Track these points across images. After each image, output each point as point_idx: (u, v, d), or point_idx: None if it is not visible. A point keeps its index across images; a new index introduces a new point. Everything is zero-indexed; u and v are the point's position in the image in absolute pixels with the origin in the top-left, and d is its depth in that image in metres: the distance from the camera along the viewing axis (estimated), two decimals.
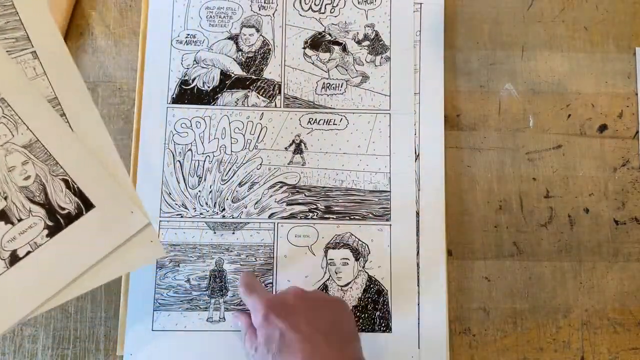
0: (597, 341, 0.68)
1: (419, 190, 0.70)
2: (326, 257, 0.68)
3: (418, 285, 0.68)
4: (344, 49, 0.72)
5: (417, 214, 0.69)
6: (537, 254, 0.70)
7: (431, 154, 0.70)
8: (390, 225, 0.69)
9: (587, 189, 0.71)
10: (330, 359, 0.56)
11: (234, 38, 0.72)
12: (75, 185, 0.55)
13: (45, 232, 0.55)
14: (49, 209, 0.55)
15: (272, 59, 0.72)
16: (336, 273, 0.68)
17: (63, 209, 0.55)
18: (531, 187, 0.71)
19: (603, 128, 0.73)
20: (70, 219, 0.55)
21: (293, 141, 0.70)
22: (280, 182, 0.69)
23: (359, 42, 0.72)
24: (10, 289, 0.54)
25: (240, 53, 0.72)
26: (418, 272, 0.68)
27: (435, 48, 0.73)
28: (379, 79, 0.72)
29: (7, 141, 0.55)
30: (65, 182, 0.55)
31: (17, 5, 0.59)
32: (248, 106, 0.70)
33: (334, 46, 0.72)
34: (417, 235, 0.69)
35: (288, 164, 0.70)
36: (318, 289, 0.68)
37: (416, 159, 0.70)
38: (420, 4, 0.74)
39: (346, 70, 0.72)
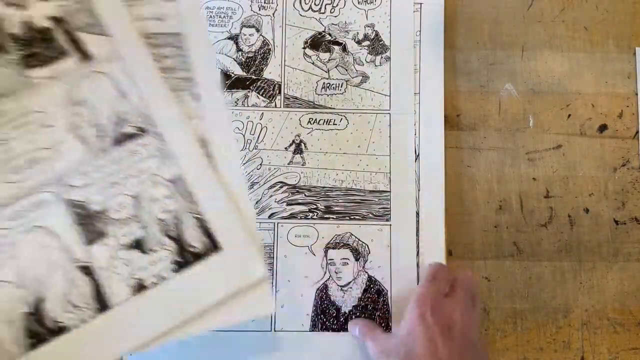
0: (597, 341, 0.68)
1: (419, 190, 0.70)
2: (326, 257, 0.68)
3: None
4: (344, 49, 0.72)
5: (417, 214, 0.69)
6: (537, 254, 0.70)
7: (431, 154, 0.70)
8: (390, 225, 0.69)
9: (587, 189, 0.71)
10: None
11: (234, 38, 0.72)
12: (207, 226, 0.56)
13: (173, 266, 0.55)
14: (180, 244, 0.56)
15: (272, 59, 0.72)
16: (336, 273, 0.68)
17: (192, 246, 0.56)
18: (531, 187, 0.71)
19: (603, 128, 0.73)
20: (197, 257, 0.56)
21: (293, 141, 0.70)
22: (280, 182, 0.69)
23: (359, 42, 0.72)
24: (130, 317, 0.54)
25: (240, 53, 0.72)
26: (418, 272, 0.68)
27: (435, 48, 0.73)
28: (379, 79, 0.72)
29: (156, 173, 0.57)
30: (199, 221, 0.56)
31: (189, 49, 0.60)
32: (248, 106, 0.70)
33: (334, 46, 0.72)
34: (417, 235, 0.69)
35: (288, 164, 0.70)
36: (318, 289, 0.68)
37: (416, 159, 0.70)
38: (420, 4, 0.73)
39: (346, 70, 0.72)
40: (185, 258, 0.56)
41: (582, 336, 0.68)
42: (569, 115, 0.73)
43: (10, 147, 0.57)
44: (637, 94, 0.73)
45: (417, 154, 0.70)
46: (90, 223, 0.56)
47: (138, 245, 0.56)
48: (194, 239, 0.56)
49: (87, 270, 0.55)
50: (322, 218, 0.69)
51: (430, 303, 0.59)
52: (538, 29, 0.75)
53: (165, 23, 0.60)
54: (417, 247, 0.68)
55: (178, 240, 0.56)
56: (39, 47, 0.58)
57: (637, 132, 0.73)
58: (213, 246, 0.56)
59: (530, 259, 0.70)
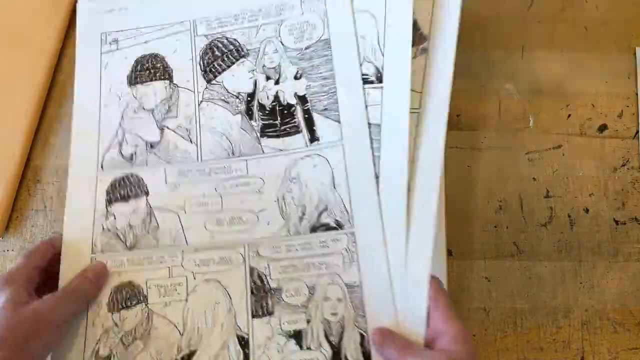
0: (597, 341, 0.68)
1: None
2: None
3: None
4: None
5: None
6: (537, 254, 0.70)
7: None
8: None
9: (587, 189, 0.71)
10: None
11: None
12: (368, 347, 0.54)
13: None
14: (336, 353, 0.54)
15: None
16: None
17: None
18: (531, 187, 0.71)
19: (603, 128, 0.73)
20: None
21: None
22: None
23: None
24: None
25: None
26: None
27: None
28: None
29: (336, 272, 0.56)
30: (362, 337, 0.54)
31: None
32: None
33: None
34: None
35: None
36: None
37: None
38: None
39: None
40: None
41: (582, 336, 0.68)
42: (569, 115, 0.73)
43: (223, 200, 0.60)
44: (637, 94, 0.74)
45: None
46: (263, 297, 0.57)
47: (297, 336, 0.55)
48: (351, 355, 0.54)
49: (243, 341, 0.56)
50: None
51: None
52: (538, 29, 0.75)
53: None
54: None
55: (336, 348, 0.54)
56: (279, 120, 0.62)
57: (637, 132, 0.73)
58: None
59: (530, 259, 0.70)
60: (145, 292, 0.58)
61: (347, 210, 0.57)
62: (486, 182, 0.72)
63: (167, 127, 0.64)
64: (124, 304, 0.58)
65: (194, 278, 0.58)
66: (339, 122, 0.60)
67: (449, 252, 0.69)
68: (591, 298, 0.69)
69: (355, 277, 0.56)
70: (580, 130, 0.73)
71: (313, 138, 0.61)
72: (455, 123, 0.72)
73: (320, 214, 0.58)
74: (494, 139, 0.72)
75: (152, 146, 0.64)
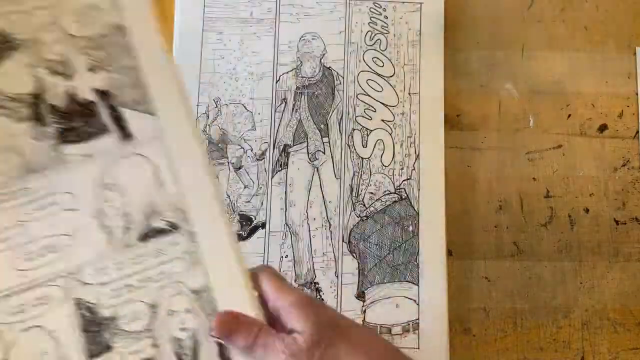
0: (597, 341, 0.68)
1: (419, 190, 0.70)
2: None
3: (418, 285, 0.67)
4: None
5: (418, 213, 0.69)
6: (537, 254, 0.70)
7: (431, 154, 0.71)
8: None
9: (587, 189, 0.71)
10: None
11: None
12: (229, 356, 0.47)
13: None
14: None
15: None
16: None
17: None
18: (531, 187, 0.71)
19: (603, 128, 0.73)
20: None
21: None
22: None
23: None
24: None
25: None
26: (418, 272, 0.68)
27: (435, 48, 0.73)
28: None
29: (179, 280, 0.48)
30: (220, 347, 0.47)
31: None
32: None
33: None
34: (417, 235, 0.69)
35: None
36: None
37: (416, 159, 0.70)
38: (420, 3, 0.73)
39: None
40: None
41: (582, 336, 0.68)
42: (569, 115, 0.73)
43: (29, 229, 0.48)
44: (637, 94, 0.73)
45: (417, 154, 0.70)
46: (97, 332, 0.47)
47: None
48: None
49: None
50: None
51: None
52: (538, 29, 0.75)
53: None
54: (417, 247, 0.68)
55: None
56: (79, 121, 0.51)
57: (637, 132, 0.73)
58: None
59: (530, 259, 0.70)
60: None
61: (180, 209, 0.50)
62: (486, 182, 0.71)
63: None
64: None
65: (10, 330, 0.46)
66: (153, 114, 0.51)
67: (449, 252, 0.69)
68: (591, 298, 0.69)
69: (203, 280, 0.48)
70: (580, 130, 0.73)
71: (126, 136, 0.51)
72: (455, 123, 0.72)
73: (149, 219, 0.49)
74: (494, 139, 0.72)
75: None
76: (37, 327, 0.47)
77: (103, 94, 0.51)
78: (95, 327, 0.47)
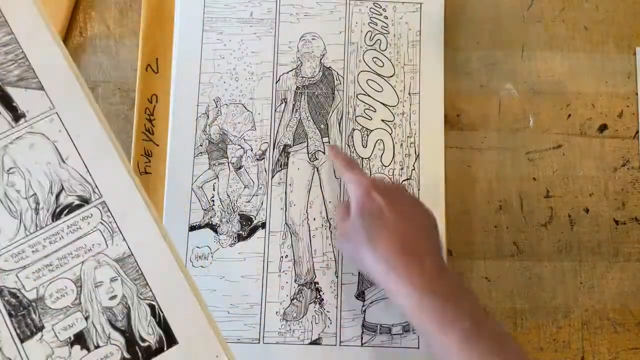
0: (597, 341, 0.68)
1: (419, 190, 0.70)
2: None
3: None
4: None
5: None
6: (537, 254, 0.70)
7: (431, 154, 0.71)
8: None
9: (587, 189, 0.71)
10: (421, 248, 0.57)
11: None
12: (161, 314, 0.47)
13: None
14: (129, 338, 0.47)
15: None
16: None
17: (144, 340, 0.47)
18: (531, 187, 0.71)
19: (603, 128, 0.73)
20: (149, 354, 0.47)
21: None
22: None
23: None
24: None
25: None
26: None
27: (435, 48, 0.73)
28: None
29: (100, 252, 0.48)
30: (152, 308, 0.48)
31: None
32: None
33: None
34: None
35: None
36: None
37: (416, 159, 0.70)
38: (420, 4, 0.73)
39: None
40: (135, 355, 0.47)
41: (582, 336, 0.68)
42: (569, 115, 0.73)
43: None
44: (637, 94, 0.73)
45: (417, 154, 0.70)
46: (24, 315, 0.47)
47: (79, 339, 0.47)
48: (145, 331, 0.47)
49: None
50: None
51: (367, 178, 0.63)
52: (538, 29, 0.75)
53: None
54: None
55: (127, 333, 0.47)
56: None
57: (637, 132, 0.72)
58: (168, 339, 0.47)
59: (530, 259, 0.70)
60: None
61: (87, 182, 0.49)
62: (486, 182, 0.71)
63: None
64: None
65: None
66: (42, 89, 0.50)
67: (449, 252, 0.69)
68: (591, 298, 0.69)
69: (123, 247, 0.48)
70: (580, 130, 0.73)
71: (17, 116, 0.50)
72: (455, 123, 0.72)
73: (57, 197, 0.49)
74: (494, 139, 0.72)
75: None
76: None
77: None
78: (22, 311, 0.47)
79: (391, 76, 0.73)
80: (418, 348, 0.66)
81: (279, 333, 0.67)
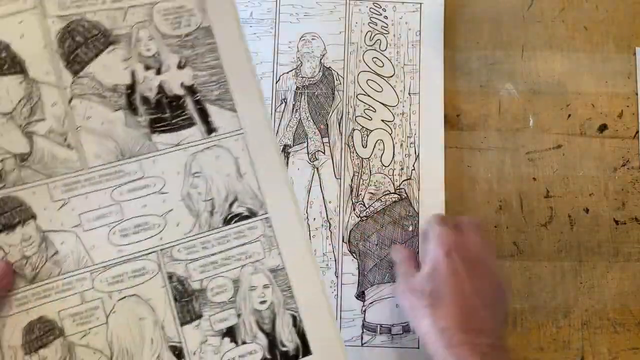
0: (597, 341, 0.68)
1: (419, 190, 0.69)
2: None
3: None
4: None
5: (417, 214, 0.69)
6: (537, 254, 0.69)
7: (431, 154, 0.70)
8: None
9: (587, 189, 0.71)
10: (484, 325, 0.56)
11: None
12: (301, 325, 0.54)
13: None
14: (272, 341, 0.53)
15: None
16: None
17: (284, 345, 0.53)
18: (531, 187, 0.71)
19: (603, 128, 0.72)
20: (286, 358, 0.53)
21: None
22: None
23: None
24: None
25: None
26: None
27: (435, 48, 0.73)
28: None
29: (258, 260, 0.55)
30: (294, 318, 0.54)
31: None
32: None
33: None
34: (417, 235, 0.69)
35: None
36: None
37: (416, 159, 0.70)
38: (420, 4, 0.73)
39: None
40: (275, 357, 0.53)
41: (582, 336, 0.68)
42: (569, 115, 0.73)
43: (123, 209, 0.54)
44: (637, 94, 0.73)
45: (417, 154, 0.70)
46: (188, 301, 0.54)
47: (231, 333, 0.53)
48: (286, 338, 0.54)
49: (177, 351, 0.53)
50: None
51: (454, 239, 0.61)
52: (538, 29, 0.75)
53: None
54: (418, 247, 0.68)
55: (271, 336, 0.53)
56: (168, 113, 0.56)
57: (637, 132, 0.72)
58: (304, 348, 0.53)
59: (530, 259, 0.69)
60: (60, 325, 0.52)
61: (257, 197, 0.55)
62: (486, 182, 0.71)
63: (36, 134, 0.54)
64: (39, 343, 0.52)
65: (110, 298, 0.53)
66: (234, 111, 0.56)
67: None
68: (591, 298, 0.69)
69: (278, 260, 0.55)
70: (580, 130, 0.72)
71: (210, 129, 0.56)
72: (455, 123, 0.72)
73: (230, 205, 0.55)
74: (494, 139, 0.72)
75: (23, 159, 0.53)
76: (135, 295, 0.53)
77: (190, 89, 0.57)
78: (186, 297, 0.53)
79: (391, 76, 0.72)
80: (418, 348, 0.66)
81: None
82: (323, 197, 0.70)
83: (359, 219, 0.70)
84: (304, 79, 0.72)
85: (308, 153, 0.70)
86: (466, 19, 0.75)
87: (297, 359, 0.53)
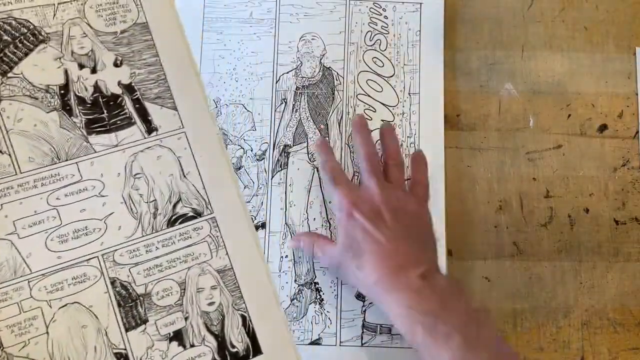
0: (597, 341, 0.67)
1: None
2: None
3: None
4: None
5: None
6: (537, 254, 0.69)
7: (431, 154, 0.70)
8: None
9: (587, 189, 0.71)
10: (408, 262, 0.58)
11: None
12: (251, 325, 0.52)
13: None
14: (221, 342, 0.51)
15: None
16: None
17: (233, 346, 0.51)
18: (531, 187, 0.71)
19: (603, 128, 0.72)
20: (237, 359, 0.51)
21: None
22: None
23: None
24: None
25: None
26: None
27: (435, 48, 0.72)
28: None
29: (204, 261, 0.52)
30: (243, 319, 0.52)
31: None
32: None
33: None
34: None
35: None
36: None
37: None
38: (420, 3, 0.73)
39: None
40: (225, 358, 0.51)
41: (582, 336, 0.67)
42: (569, 115, 0.72)
43: (61, 214, 0.51)
44: (637, 94, 0.73)
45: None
46: (132, 307, 0.51)
47: (178, 336, 0.51)
48: (236, 339, 0.51)
49: (122, 358, 0.50)
50: None
51: (350, 199, 0.62)
52: (538, 29, 0.74)
53: None
54: None
55: (219, 338, 0.51)
56: (105, 113, 0.54)
57: (637, 132, 0.72)
58: (254, 349, 0.51)
59: (530, 259, 0.69)
60: None
61: (202, 197, 0.53)
62: (486, 182, 0.71)
63: None
64: None
65: (50, 307, 0.50)
66: (175, 109, 0.54)
67: (449, 252, 0.68)
68: (591, 298, 0.68)
69: (225, 261, 0.52)
70: (580, 130, 0.72)
71: (150, 129, 0.53)
72: (455, 123, 0.72)
73: (174, 206, 0.53)
74: (494, 139, 0.72)
75: None
76: (76, 303, 0.50)
77: (128, 88, 0.54)
78: (130, 303, 0.51)
79: (391, 76, 0.72)
80: None
81: None
82: (323, 197, 0.69)
83: None
84: (304, 79, 0.71)
85: (308, 153, 0.70)
86: (466, 19, 0.74)
87: (248, 359, 0.51)
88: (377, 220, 0.61)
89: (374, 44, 0.73)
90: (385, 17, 0.73)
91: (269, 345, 0.52)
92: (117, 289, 0.51)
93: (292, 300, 0.67)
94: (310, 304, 0.67)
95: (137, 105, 0.54)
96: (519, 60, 0.73)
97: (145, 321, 0.51)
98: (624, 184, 0.71)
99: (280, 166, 0.70)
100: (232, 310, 0.52)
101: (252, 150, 0.70)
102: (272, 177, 0.69)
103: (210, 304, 0.52)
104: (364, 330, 0.67)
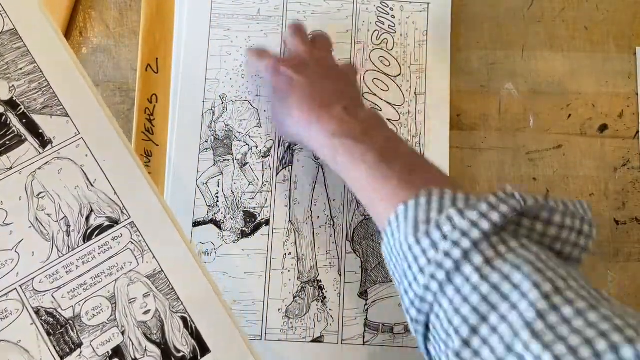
0: None
1: None
2: None
3: None
4: None
5: None
6: None
7: (437, 154, 0.66)
8: None
9: (588, 189, 0.67)
10: (332, 98, 0.56)
11: None
12: (193, 326, 0.47)
13: None
14: (165, 350, 0.46)
15: None
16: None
17: (178, 351, 0.46)
18: (531, 187, 0.67)
19: (603, 128, 0.69)
20: None
21: None
22: None
23: None
24: None
25: None
26: None
27: (441, 48, 0.69)
28: None
29: (131, 269, 0.48)
30: (184, 320, 0.47)
31: None
32: None
33: None
34: None
35: None
36: None
37: None
38: (428, 4, 0.69)
39: None
40: None
41: None
42: (569, 115, 0.69)
43: None
44: (637, 94, 0.69)
45: (422, 153, 0.66)
46: (62, 333, 0.46)
47: (118, 353, 0.46)
48: (180, 342, 0.47)
49: None
50: None
51: (274, 59, 0.61)
52: (538, 29, 0.71)
53: None
54: None
55: (162, 345, 0.46)
56: None
57: (638, 132, 0.69)
58: (201, 349, 0.47)
59: None
60: None
61: (115, 203, 0.48)
62: (486, 182, 0.67)
63: None
64: None
65: None
66: (67, 115, 0.49)
67: None
68: None
69: (153, 264, 0.48)
70: (580, 130, 0.69)
71: (44, 142, 0.48)
72: (455, 123, 0.68)
73: (87, 219, 0.48)
74: (494, 139, 0.68)
75: None
76: (2, 341, 0.45)
77: (9, 103, 0.49)
78: (60, 329, 0.46)
79: (397, 76, 0.68)
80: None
81: (281, 330, 0.63)
82: (327, 195, 0.66)
83: (363, 217, 0.65)
84: None
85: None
86: (466, 19, 0.71)
87: None
88: (301, 68, 0.59)
89: (380, 43, 0.69)
90: (393, 16, 0.69)
91: (216, 342, 0.47)
92: (43, 318, 0.46)
93: (294, 297, 0.63)
94: (312, 301, 0.64)
95: (24, 120, 0.49)
96: (520, 60, 0.70)
97: (79, 345, 0.46)
98: (624, 184, 0.68)
99: (285, 163, 0.66)
100: (170, 314, 0.47)
101: (257, 147, 0.66)
102: (277, 174, 0.65)
103: (146, 312, 0.47)
104: (366, 329, 0.63)
